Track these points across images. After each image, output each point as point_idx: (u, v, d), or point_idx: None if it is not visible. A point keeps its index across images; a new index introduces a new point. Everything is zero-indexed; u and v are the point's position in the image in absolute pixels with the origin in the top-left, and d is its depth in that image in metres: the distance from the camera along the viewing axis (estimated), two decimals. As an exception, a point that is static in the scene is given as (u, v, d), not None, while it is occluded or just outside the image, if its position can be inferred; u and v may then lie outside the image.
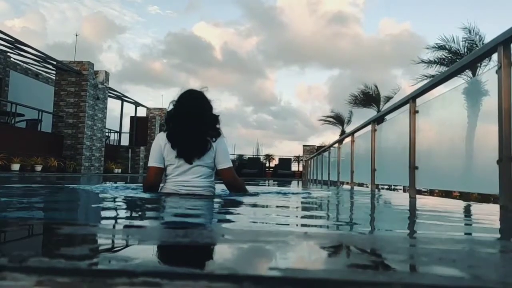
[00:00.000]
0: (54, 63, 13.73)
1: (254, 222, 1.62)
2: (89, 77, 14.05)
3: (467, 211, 2.59)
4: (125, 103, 19.10)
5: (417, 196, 3.63)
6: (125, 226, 1.40)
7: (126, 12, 50.31)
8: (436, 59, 16.16)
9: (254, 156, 25.74)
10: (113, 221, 1.56)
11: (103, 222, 1.57)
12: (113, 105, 33.28)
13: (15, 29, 39.01)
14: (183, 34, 52.37)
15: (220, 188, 2.78)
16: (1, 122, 12.74)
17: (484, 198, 7.04)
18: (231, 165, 2.67)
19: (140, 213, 1.90)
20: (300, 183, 12.48)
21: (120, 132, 19.24)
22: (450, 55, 15.89)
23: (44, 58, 13.43)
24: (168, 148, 2.56)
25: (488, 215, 2.26)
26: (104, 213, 1.81)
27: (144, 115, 20.26)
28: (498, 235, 1.52)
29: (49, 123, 13.92)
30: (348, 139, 7.58)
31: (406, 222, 1.90)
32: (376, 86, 22.49)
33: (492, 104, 2.33)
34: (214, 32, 60.04)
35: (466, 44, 15.48)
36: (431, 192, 9.28)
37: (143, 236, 1.07)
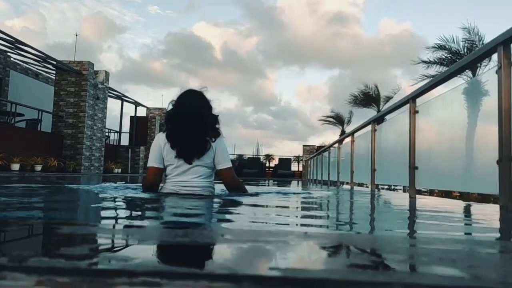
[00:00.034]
0: (54, 63, 13.73)
1: (254, 222, 1.62)
2: (89, 77, 14.05)
3: (467, 211, 2.59)
4: (125, 103, 19.10)
5: (417, 196, 3.63)
6: (125, 226, 1.40)
7: (126, 12, 50.35)
8: (436, 59, 16.19)
9: (254, 156, 25.74)
10: (113, 221, 1.56)
11: (103, 222, 1.57)
12: (113, 105, 33.35)
13: (15, 29, 39.07)
14: (183, 34, 52.41)
15: (219, 188, 2.78)
16: (1, 122, 12.73)
17: (484, 198, 7.04)
18: (230, 165, 2.67)
19: (140, 213, 1.90)
20: (300, 183, 12.48)
21: (120, 132, 19.24)
22: (450, 55, 15.89)
23: (44, 58, 13.43)
24: (167, 148, 2.56)
25: (488, 215, 2.26)
26: (104, 213, 1.81)
27: (144, 115, 20.26)
28: (498, 235, 1.52)
29: (49, 123, 13.92)
30: (348, 139, 7.58)
31: (406, 222, 1.90)
32: (376, 86, 22.52)
33: (492, 104, 2.33)
34: (214, 32, 60.10)
35: (466, 44, 15.49)
36: (431, 192, 9.27)
37: (143, 236, 1.07)
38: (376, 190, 5.50)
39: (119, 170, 16.57)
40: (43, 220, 1.53)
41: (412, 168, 3.65)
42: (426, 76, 16.10)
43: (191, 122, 2.56)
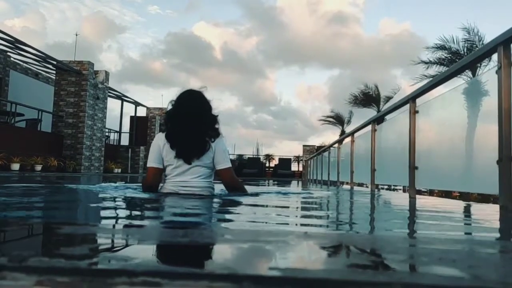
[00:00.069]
0: (54, 62, 13.73)
1: (254, 222, 1.62)
2: (89, 76, 14.05)
3: (467, 211, 2.59)
4: (125, 103, 19.10)
5: (417, 196, 3.63)
6: (125, 226, 1.40)
7: (126, 11, 50.34)
8: (436, 60, 16.19)
9: (254, 156, 25.74)
10: (113, 221, 1.56)
11: (103, 222, 1.57)
12: (113, 105, 33.33)
13: (15, 29, 39.09)
14: (183, 34, 52.39)
15: (219, 188, 2.78)
16: (1, 122, 12.73)
17: (484, 198, 7.04)
18: (230, 165, 2.67)
19: (139, 213, 1.90)
20: (300, 183, 12.48)
21: (120, 132, 19.24)
22: (450, 55, 15.90)
23: (44, 58, 13.43)
24: (167, 149, 2.56)
25: (488, 215, 2.26)
26: (103, 213, 1.81)
27: (144, 114, 20.25)
28: (498, 235, 1.52)
29: (49, 122, 13.92)
30: (348, 139, 7.58)
31: (406, 222, 1.90)
32: (376, 86, 22.52)
33: (492, 104, 2.33)
34: (214, 32, 60.08)
35: (466, 45, 15.51)
36: (430, 192, 9.28)
37: (143, 236, 1.07)
38: (376, 190, 5.50)
39: (119, 170, 16.57)
40: (43, 220, 1.53)
41: (412, 168, 3.65)
42: (426, 76, 16.13)
43: (191, 122, 2.55)
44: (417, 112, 3.71)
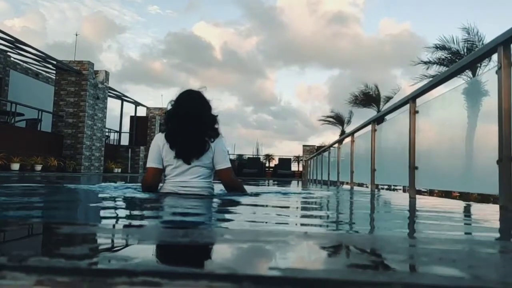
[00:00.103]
0: (54, 62, 13.73)
1: (254, 222, 1.62)
2: (89, 76, 14.05)
3: (467, 211, 2.59)
4: (125, 102, 19.10)
5: (417, 196, 3.63)
6: (125, 226, 1.40)
7: (126, 11, 50.32)
8: (435, 60, 16.19)
9: (254, 156, 25.74)
10: (112, 221, 1.56)
11: (103, 221, 1.57)
12: (113, 104, 33.34)
13: (15, 29, 39.08)
14: (183, 34, 52.38)
15: (219, 188, 2.78)
16: (1, 122, 12.73)
17: (484, 198, 7.05)
18: (229, 165, 2.67)
19: (139, 212, 1.90)
20: (300, 183, 12.48)
21: (120, 132, 19.24)
22: (450, 55, 15.90)
23: (44, 58, 13.43)
24: (166, 149, 2.56)
25: (488, 215, 2.26)
26: (103, 213, 1.81)
27: (144, 114, 20.26)
28: (498, 235, 1.52)
29: (49, 122, 13.92)
30: (348, 139, 7.58)
31: (406, 222, 1.90)
32: (376, 86, 22.52)
33: (492, 104, 2.33)
34: (214, 32, 60.04)
35: (466, 45, 15.50)
36: (430, 192, 9.28)
37: (143, 236, 1.06)
38: (376, 190, 5.50)
39: (119, 170, 16.57)
40: (43, 220, 1.53)
41: (412, 168, 3.65)
42: (426, 76, 16.12)
43: (190, 122, 2.55)
44: (417, 112, 3.71)
